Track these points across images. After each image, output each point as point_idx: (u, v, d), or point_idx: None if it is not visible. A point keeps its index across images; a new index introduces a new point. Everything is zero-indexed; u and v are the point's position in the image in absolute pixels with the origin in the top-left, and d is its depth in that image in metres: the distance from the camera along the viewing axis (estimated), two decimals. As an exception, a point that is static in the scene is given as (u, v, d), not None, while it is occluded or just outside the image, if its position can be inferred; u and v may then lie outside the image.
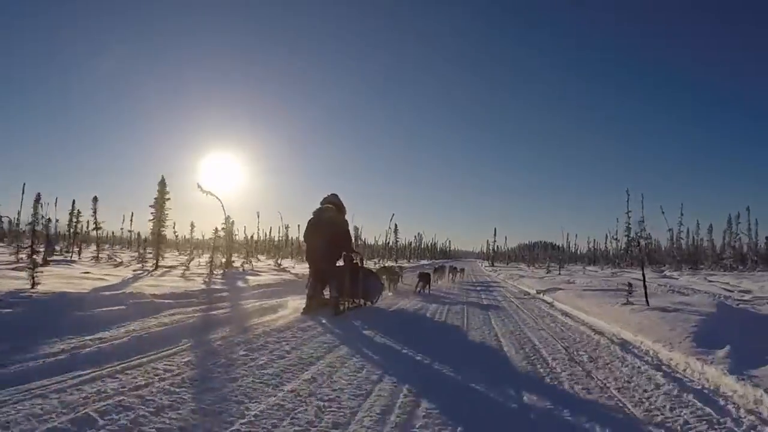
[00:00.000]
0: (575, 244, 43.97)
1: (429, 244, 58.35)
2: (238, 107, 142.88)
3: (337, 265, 6.43)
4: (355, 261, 6.69)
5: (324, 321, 5.15)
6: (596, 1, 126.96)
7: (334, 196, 6.71)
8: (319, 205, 6.62)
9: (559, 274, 19.46)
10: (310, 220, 6.43)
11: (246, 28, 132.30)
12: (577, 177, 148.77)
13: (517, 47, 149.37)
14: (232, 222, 13.28)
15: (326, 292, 6.33)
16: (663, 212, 9.73)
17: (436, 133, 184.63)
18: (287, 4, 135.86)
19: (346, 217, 6.85)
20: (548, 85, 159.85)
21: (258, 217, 30.04)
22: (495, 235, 41.47)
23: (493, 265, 35.36)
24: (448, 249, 72.37)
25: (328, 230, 6.16)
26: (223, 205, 11.27)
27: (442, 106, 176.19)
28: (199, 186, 10.14)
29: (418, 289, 9.23)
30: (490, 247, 44.13)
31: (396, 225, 31.91)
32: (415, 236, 51.82)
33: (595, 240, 38.79)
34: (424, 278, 9.47)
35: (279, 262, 17.87)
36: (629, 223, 34.85)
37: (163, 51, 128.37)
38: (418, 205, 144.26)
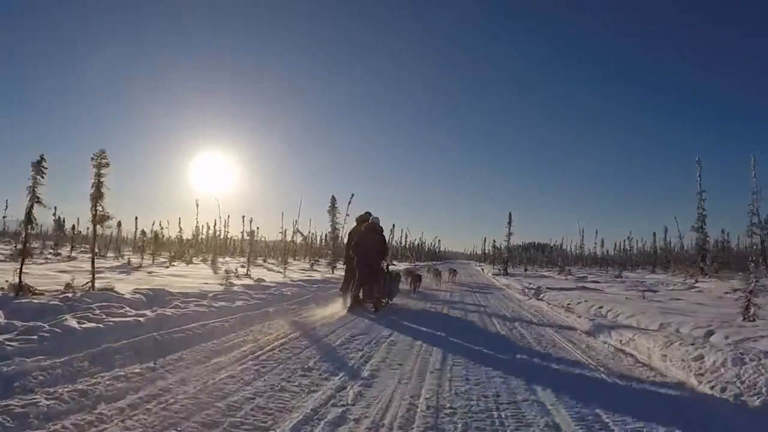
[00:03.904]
0: (595, 245, 34.13)
1: (414, 244, 47.53)
2: (233, 107, 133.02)
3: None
4: (382, 267, 8.01)
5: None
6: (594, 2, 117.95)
7: (376, 218, 8.25)
8: (355, 222, 9.00)
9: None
10: (359, 235, 8.00)
11: (244, 30, 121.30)
12: (575, 177, 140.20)
13: (507, 47, 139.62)
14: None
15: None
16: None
17: (426, 133, 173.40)
18: (285, 6, 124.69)
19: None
20: (534, 85, 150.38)
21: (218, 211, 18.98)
22: (510, 224, 25.11)
23: (506, 273, 23.75)
24: (437, 250, 61.18)
25: (378, 245, 7.92)
26: None
27: (433, 107, 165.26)
28: None
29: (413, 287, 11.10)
30: (497, 245, 32.99)
31: (338, 207, 20.32)
32: (391, 229, 40.08)
33: (655, 236, 27.16)
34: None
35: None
36: (703, 210, 23.75)
37: (159, 51, 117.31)
38: (408, 204, 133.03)
